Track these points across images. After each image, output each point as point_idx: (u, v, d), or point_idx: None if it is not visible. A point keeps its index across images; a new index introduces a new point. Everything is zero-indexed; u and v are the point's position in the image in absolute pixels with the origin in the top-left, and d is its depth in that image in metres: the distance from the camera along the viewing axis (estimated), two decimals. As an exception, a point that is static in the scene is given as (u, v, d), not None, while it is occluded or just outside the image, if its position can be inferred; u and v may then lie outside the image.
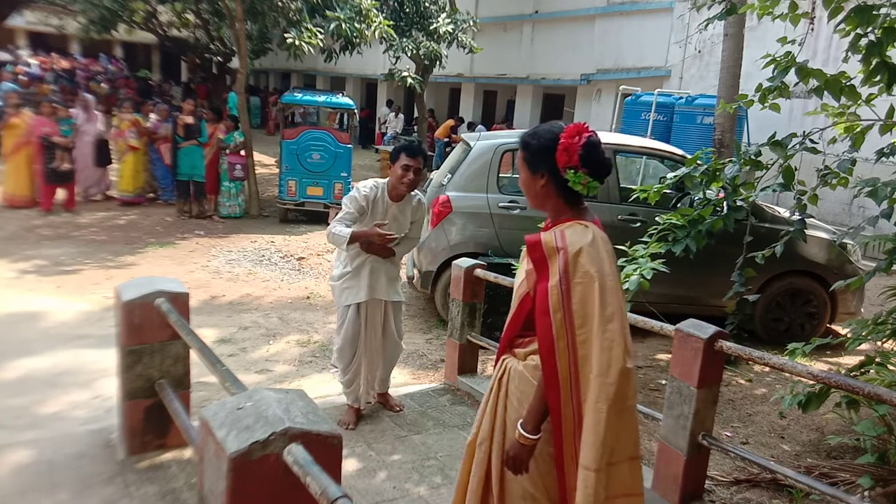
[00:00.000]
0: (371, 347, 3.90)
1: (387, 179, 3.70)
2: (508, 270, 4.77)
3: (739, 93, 6.27)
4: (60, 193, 9.50)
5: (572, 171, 1.97)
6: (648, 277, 4.22)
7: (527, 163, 2.08)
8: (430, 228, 5.78)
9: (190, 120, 9.65)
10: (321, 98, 11.34)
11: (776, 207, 6.33)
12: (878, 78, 3.84)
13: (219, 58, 21.08)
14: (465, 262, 4.44)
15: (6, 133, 9.32)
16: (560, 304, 1.94)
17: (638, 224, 5.49)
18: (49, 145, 9.06)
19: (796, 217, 4.51)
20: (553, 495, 2.04)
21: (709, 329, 2.95)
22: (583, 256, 1.92)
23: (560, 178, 1.99)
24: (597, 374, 1.89)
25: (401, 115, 20.03)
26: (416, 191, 3.79)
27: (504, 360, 2.16)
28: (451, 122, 17.90)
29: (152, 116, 10.41)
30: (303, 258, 8.08)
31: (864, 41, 3.78)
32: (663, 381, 4.57)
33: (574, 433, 1.94)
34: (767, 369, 4.97)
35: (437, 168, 7.90)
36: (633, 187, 5.55)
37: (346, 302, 3.76)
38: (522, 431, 1.99)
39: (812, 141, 4.29)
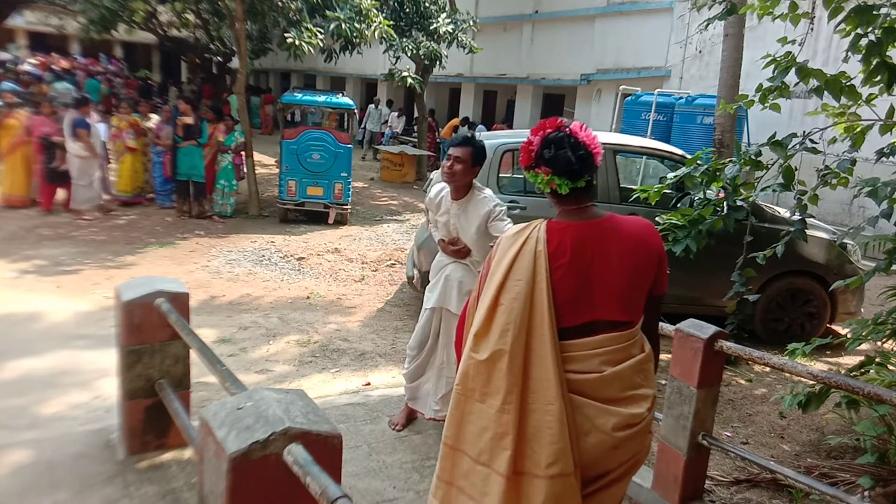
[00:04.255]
0: (435, 361, 3.69)
1: None
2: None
3: (739, 93, 6.27)
4: (60, 193, 9.50)
5: (529, 171, 2.00)
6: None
7: None
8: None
9: (189, 120, 9.64)
10: (321, 98, 11.34)
11: (776, 207, 6.33)
12: (878, 78, 3.84)
13: (219, 58, 21.12)
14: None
15: (2, 133, 9.30)
16: (478, 284, 2.07)
17: (638, 224, 5.47)
18: (49, 145, 9.05)
19: (796, 217, 4.51)
20: None
21: (709, 329, 2.95)
22: (499, 246, 2.02)
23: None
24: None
25: (402, 116, 19.88)
26: (483, 189, 3.54)
27: None
28: (456, 121, 17.75)
29: (153, 117, 10.39)
30: (303, 258, 8.08)
31: (864, 41, 3.79)
32: (663, 381, 4.56)
33: None
34: (767, 369, 4.97)
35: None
36: (633, 187, 5.56)
37: (426, 305, 3.66)
38: None
39: (812, 141, 4.29)
